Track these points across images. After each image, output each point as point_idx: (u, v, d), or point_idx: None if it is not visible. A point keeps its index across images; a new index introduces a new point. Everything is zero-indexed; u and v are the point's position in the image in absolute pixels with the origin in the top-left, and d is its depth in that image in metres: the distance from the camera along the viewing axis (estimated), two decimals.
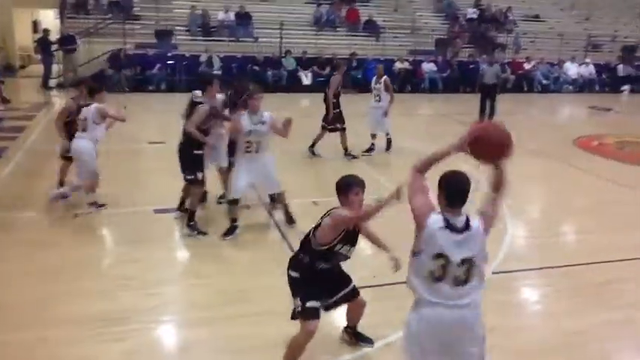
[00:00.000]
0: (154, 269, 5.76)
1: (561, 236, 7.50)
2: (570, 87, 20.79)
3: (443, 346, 3.27)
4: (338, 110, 9.91)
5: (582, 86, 20.92)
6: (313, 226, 4.12)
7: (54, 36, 17.78)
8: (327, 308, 4.22)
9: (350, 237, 4.07)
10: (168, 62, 17.22)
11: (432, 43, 20.61)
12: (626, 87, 21.21)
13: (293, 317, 4.08)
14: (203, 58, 17.19)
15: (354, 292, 4.38)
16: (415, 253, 3.31)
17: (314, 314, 3.99)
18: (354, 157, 10.08)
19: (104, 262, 6.07)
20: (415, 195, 3.33)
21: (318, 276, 4.10)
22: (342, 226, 3.94)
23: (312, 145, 10.14)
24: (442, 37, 20.93)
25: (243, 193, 6.63)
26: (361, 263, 6.28)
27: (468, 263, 3.16)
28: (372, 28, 20.34)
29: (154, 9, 18.80)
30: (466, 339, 3.27)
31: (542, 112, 16.84)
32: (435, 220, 3.18)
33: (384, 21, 21.00)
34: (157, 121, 12.86)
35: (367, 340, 4.66)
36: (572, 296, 5.63)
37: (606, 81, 21.53)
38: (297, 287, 4.11)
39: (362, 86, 17.89)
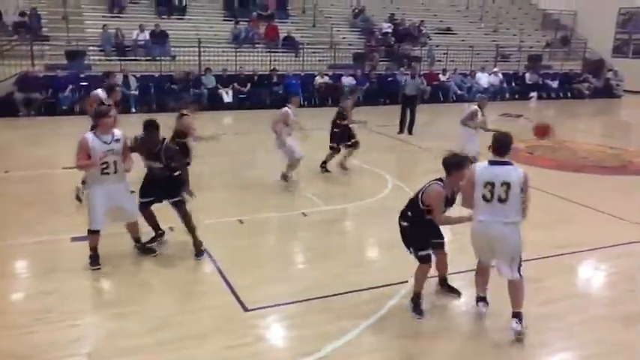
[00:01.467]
0: (72, 300, 5.46)
1: None
2: (482, 96, 21.67)
3: None
4: (338, 130, 10.22)
5: (494, 94, 21.91)
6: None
7: None
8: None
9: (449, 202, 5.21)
10: (82, 83, 16.57)
11: (351, 57, 21.01)
12: (533, 94, 22.41)
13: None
14: (119, 78, 16.64)
15: (444, 245, 5.56)
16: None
17: (427, 259, 5.28)
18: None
19: (16, 296, 5.69)
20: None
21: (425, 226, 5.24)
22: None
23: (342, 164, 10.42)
24: (360, 51, 21.39)
25: (104, 223, 6.13)
26: (298, 276, 6.27)
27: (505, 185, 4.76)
28: (291, 44, 20.50)
29: (64, 29, 18.10)
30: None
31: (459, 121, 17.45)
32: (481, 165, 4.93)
33: (303, 37, 21.22)
34: (71, 145, 12.27)
35: (455, 292, 5.71)
36: (500, 294, 5.80)
37: (515, 89, 22.68)
38: (408, 238, 5.33)
39: (282, 102, 18.01)
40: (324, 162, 10.40)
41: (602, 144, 13.80)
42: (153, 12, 20.25)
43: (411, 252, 5.33)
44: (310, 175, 10.11)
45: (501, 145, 4.89)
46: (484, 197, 4.81)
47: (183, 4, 20.75)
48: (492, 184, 4.76)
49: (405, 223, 5.36)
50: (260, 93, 18.27)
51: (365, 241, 7.50)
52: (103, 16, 19.38)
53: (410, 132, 14.80)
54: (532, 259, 6.56)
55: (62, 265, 6.23)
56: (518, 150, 12.67)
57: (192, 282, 5.91)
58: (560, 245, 7.13)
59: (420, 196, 5.20)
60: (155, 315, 5.20)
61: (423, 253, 5.26)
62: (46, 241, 6.86)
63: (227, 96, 17.77)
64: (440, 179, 5.12)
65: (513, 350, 4.85)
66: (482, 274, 5.35)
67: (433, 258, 5.39)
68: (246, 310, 5.35)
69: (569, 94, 23.40)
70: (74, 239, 6.76)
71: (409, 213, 5.32)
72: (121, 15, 19.66)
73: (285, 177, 9.45)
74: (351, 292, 5.74)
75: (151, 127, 6.19)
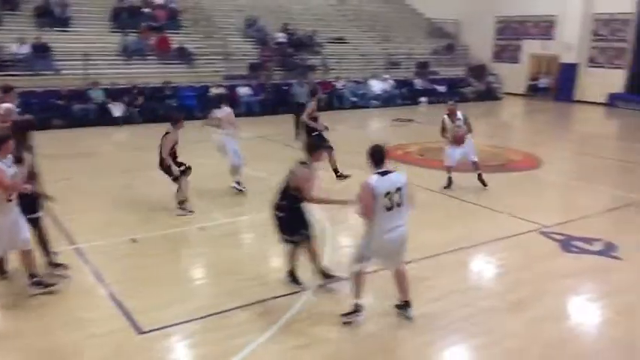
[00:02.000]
0: None
1: None
2: (376, 102, 22.45)
3: None
4: (317, 133, 10.32)
5: (386, 100, 22.69)
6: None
7: None
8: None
9: None
10: None
11: (246, 67, 20.94)
12: (423, 99, 23.43)
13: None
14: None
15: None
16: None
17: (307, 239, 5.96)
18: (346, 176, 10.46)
19: None
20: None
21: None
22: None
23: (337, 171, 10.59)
24: (254, 61, 21.37)
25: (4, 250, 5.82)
26: (195, 293, 6.12)
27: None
28: (183, 56, 20.10)
29: None
30: None
31: (355, 127, 17.92)
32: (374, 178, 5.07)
33: (196, 48, 20.88)
34: None
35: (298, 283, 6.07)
36: (392, 297, 5.99)
37: (406, 95, 23.60)
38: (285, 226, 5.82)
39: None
40: (336, 170, 10.66)
41: (486, 144, 14.67)
42: (33, 24, 19.09)
43: (287, 240, 5.83)
44: (208, 189, 9.93)
45: (381, 156, 5.20)
46: (386, 207, 5.08)
47: (66, 15, 19.74)
48: (390, 193, 5.07)
49: (281, 214, 5.76)
50: (153, 106, 17.74)
51: (261, 253, 7.45)
52: None
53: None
54: (424, 258, 6.87)
55: None
56: (410, 153, 13.21)
57: (82, 308, 5.60)
58: (450, 243, 7.48)
59: (288, 182, 5.68)
60: (41, 346, 4.88)
61: (299, 236, 5.78)
62: None
63: (116, 110, 17.07)
64: (304, 162, 5.70)
65: (406, 350, 5.02)
66: (362, 279, 5.43)
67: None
68: (141, 332, 5.16)
69: (456, 98, 24.65)
70: None
71: (284, 202, 5.73)
72: None
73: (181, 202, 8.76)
74: (247, 305, 5.70)
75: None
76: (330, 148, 10.41)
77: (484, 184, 10.12)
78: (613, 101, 23.23)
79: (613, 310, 5.79)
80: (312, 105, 10.80)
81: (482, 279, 6.84)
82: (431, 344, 5.13)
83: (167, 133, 8.41)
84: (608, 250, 7.34)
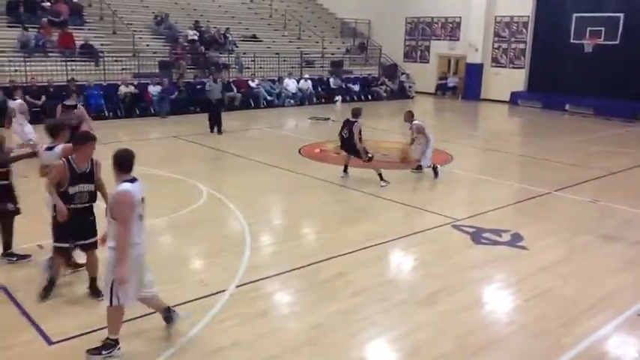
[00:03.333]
0: None
1: (297, 239, 7.96)
2: (292, 101, 22.46)
3: None
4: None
5: (302, 99, 22.75)
6: None
7: None
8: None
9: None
10: None
11: (156, 65, 20.28)
12: (338, 98, 23.69)
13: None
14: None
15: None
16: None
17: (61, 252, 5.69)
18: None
19: None
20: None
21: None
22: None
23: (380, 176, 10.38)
24: (165, 59, 20.75)
25: None
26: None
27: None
28: (89, 53, 19.18)
29: None
30: None
31: (270, 126, 17.82)
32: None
33: (103, 45, 20.00)
34: None
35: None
36: (311, 293, 5.99)
37: (321, 93, 23.77)
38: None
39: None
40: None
41: (398, 141, 15.03)
42: None
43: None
44: None
45: (130, 162, 4.64)
46: (140, 216, 4.65)
47: None
48: (141, 202, 4.66)
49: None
50: (56, 106, 16.73)
51: (177, 255, 7.21)
52: None
53: (219, 132, 15.26)
54: (339, 255, 6.93)
55: None
56: (327, 151, 13.30)
57: (7, 331, 5.19)
58: (365, 238, 7.58)
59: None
60: None
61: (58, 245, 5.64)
62: None
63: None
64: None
65: (323, 347, 5.01)
66: (122, 313, 4.76)
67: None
68: (50, 343, 4.86)
69: (369, 97, 25.17)
70: None
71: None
72: None
73: None
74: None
75: None
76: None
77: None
78: (515, 99, 24.54)
79: (521, 298, 6.06)
80: (359, 126, 10.47)
81: (398, 273, 6.98)
82: (352, 337, 5.15)
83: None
84: (515, 241, 7.70)
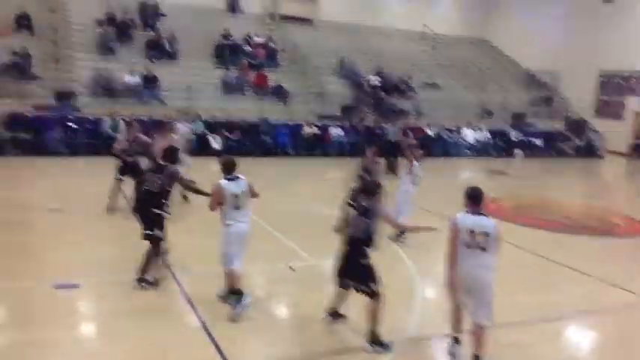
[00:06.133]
0: (54, 352, 5.23)
1: None
2: (469, 151, 22.00)
3: None
4: None
5: (479, 150, 22.18)
6: None
7: None
8: None
9: None
10: (69, 125, 16.45)
11: (338, 108, 21.19)
12: (518, 151, 22.69)
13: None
14: (106, 121, 16.53)
15: None
16: None
17: None
18: None
19: None
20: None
21: None
22: None
23: None
24: (347, 102, 21.59)
25: None
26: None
27: None
28: (279, 93, 20.69)
29: (53, 69, 18.11)
30: None
31: (447, 176, 17.56)
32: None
33: (292, 86, 21.45)
34: (55, 186, 12.03)
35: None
36: None
37: (500, 145, 22.97)
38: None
39: (270, 150, 18.17)
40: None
41: (587, 204, 13.94)
42: (143, 56, 20.34)
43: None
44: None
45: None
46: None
47: (174, 49, 20.94)
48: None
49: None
50: (248, 142, 18.27)
51: None
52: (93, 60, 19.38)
53: (395, 173, 15.59)
54: (522, 322, 6.47)
55: (43, 314, 5.99)
56: (504, 208, 12.74)
57: None
58: (547, 308, 7.05)
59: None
60: None
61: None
62: (25, 287, 6.61)
63: (215, 142, 17.70)
64: None
65: None
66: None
67: None
68: None
69: (553, 153, 23.80)
70: (57, 287, 6.53)
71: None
72: (110, 57, 19.68)
73: None
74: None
75: None
76: None
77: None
78: None
79: None
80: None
81: (581, 351, 6.37)
82: None
83: None
84: None
